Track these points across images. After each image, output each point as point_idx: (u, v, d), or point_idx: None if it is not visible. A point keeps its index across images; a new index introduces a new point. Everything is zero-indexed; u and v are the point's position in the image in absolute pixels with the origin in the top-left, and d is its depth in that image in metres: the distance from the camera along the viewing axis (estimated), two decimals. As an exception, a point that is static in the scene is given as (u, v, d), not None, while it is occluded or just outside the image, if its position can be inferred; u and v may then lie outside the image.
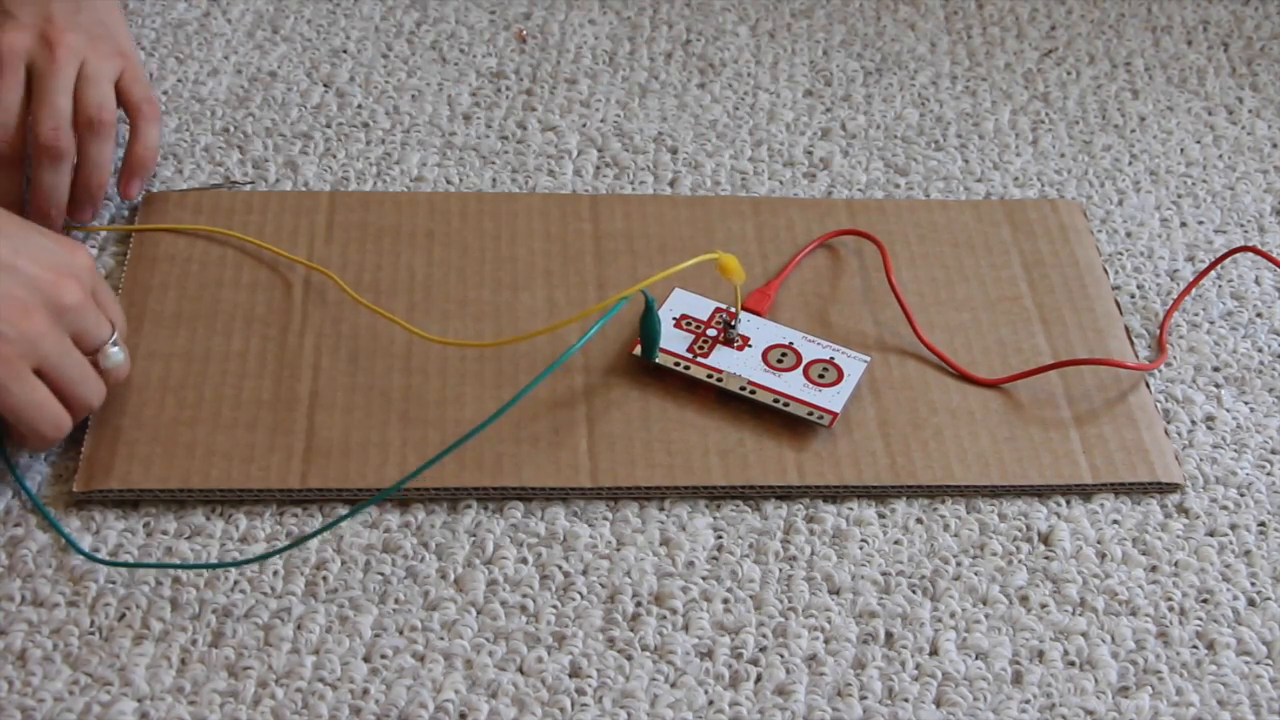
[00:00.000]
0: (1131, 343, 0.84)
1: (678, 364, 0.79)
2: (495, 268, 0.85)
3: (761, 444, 0.77)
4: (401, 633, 0.69)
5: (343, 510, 0.73)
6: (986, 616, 0.71)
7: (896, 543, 0.74)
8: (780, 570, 0.73)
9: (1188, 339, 0.85)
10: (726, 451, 0.76)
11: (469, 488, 0.74)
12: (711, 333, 0.80)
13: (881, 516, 0.75)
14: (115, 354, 0.73)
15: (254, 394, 0.77)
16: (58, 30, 0.85)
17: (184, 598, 0.70)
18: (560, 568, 0.72)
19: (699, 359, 0.79)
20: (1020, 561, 0.74)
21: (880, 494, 0.76)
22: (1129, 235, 0.92)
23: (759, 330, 0.81)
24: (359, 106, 0.97)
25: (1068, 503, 0.76)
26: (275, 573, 0.71)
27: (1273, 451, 0.80)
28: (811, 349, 0.80)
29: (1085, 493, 0.77)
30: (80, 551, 0.71)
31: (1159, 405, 0.81)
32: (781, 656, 0.69)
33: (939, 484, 0.76)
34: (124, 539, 0.72)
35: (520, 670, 0.68)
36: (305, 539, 0.70)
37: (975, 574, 0.73)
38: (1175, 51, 1.06)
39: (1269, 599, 0.73)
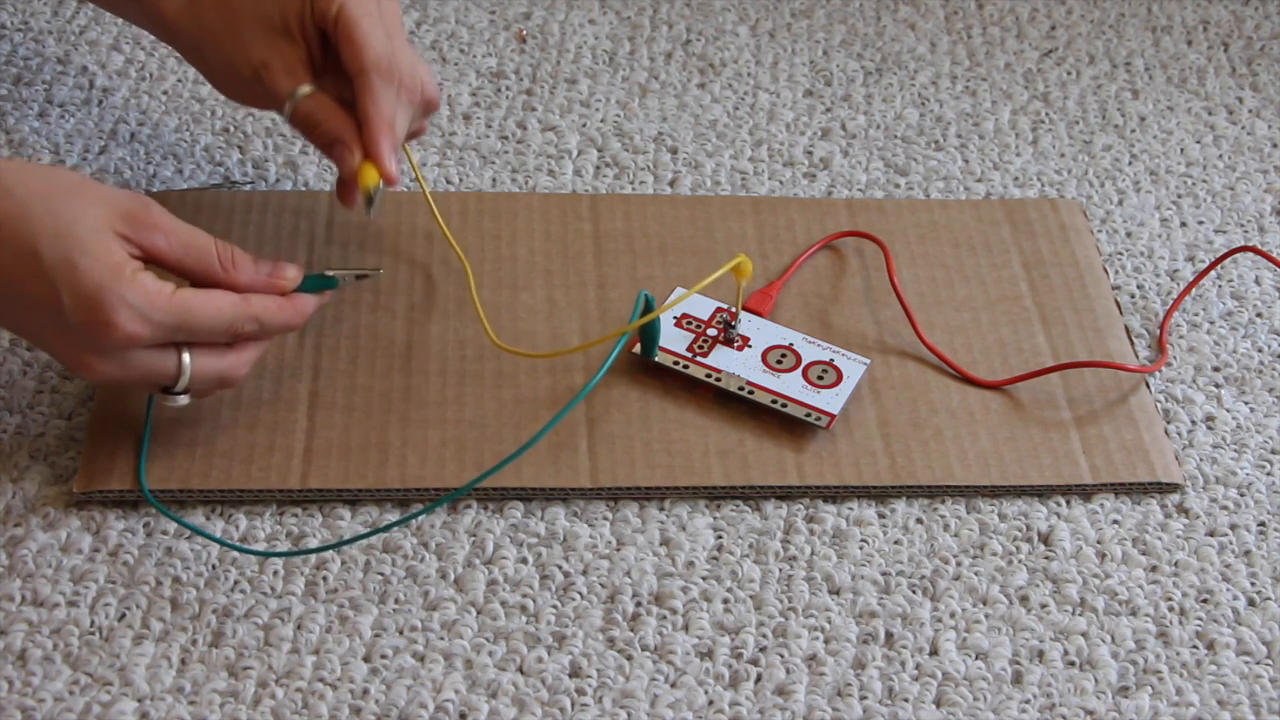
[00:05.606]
0: (1131, 342, 0.84)
1: (677, 363, 0.79)
2: (495, 268, 0.85)
3: (761, 444, 0.77)
4: (401, 633, 0.69)
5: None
6: (986, 616, 0.71)
7: (896, 543, 0.74)
8: (780, 570, 0.73)
9: (1188, 339, 0.85)
10: (726, 451, 0.76)
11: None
12: (712, 332, 0.80)
13: (881, 517, 0.75)
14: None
15: (254, 394, 0.77)
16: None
17: (184, 598, 0.70)
18: (560, 568, 0.72)
19: (698, 358, 0.79)
20: (1020, 561, 0.74)
21: (880, 494, 0.76)
22: (1129, 235, 0.92)
23: (759, 331, 0.81)
24: (359, 106, 0.97)
25: (1068, 503, 0.76)
26: (275, 573, 0.71)
27: (1273, 451, 0.80)
28: (811, 350, 0.80)
29: (1085, 493, 0.77)
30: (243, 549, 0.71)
31: (1159, 405, 0.81)
32: (781, 656, 0.69)
33: (939, 484, 0.76)
34: (124, 539, 0.72)
35: (520, 670, 0.68)
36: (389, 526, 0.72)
37: (975, 574, 0.73)
38: (1175, 51, 1.06)
39: (1269, 599, 0.73)
